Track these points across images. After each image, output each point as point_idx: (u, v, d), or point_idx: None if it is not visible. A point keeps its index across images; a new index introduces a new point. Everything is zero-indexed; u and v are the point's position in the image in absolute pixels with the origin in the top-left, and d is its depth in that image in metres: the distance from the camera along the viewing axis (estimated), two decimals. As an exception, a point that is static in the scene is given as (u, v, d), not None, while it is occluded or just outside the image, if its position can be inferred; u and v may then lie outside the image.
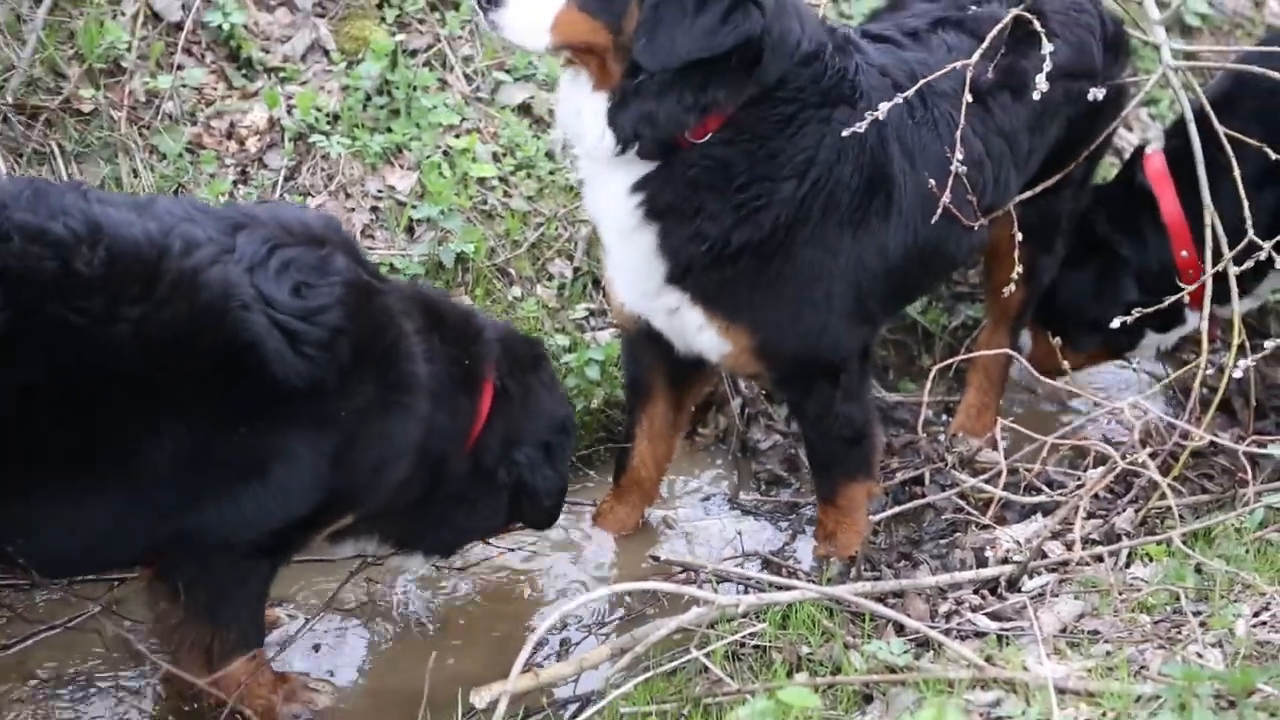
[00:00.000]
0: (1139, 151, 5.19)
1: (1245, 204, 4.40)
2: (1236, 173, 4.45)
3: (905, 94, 4.18)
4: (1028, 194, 4.67)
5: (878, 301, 4.38)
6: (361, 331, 3.63)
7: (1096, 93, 4.43)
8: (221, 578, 3.77)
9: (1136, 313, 4.50)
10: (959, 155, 4.18)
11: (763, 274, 4.15)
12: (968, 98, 4.25)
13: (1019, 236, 4.55)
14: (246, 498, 3.61)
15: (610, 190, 4.16)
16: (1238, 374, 4.26)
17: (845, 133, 4.06)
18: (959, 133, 4.20)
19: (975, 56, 4.30)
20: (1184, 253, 4.83)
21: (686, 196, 4.06)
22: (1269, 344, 4.34)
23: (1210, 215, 4.57)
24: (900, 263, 4.31)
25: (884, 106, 4.08)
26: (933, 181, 4.22)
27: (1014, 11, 4.43)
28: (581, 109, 4.07)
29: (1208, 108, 4.63)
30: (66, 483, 3.47)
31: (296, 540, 3.88)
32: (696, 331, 4.30)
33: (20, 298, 3.28)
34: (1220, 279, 4.48)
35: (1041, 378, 4.92)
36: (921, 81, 4.23)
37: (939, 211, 4.21)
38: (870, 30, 4.64)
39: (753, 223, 4.08)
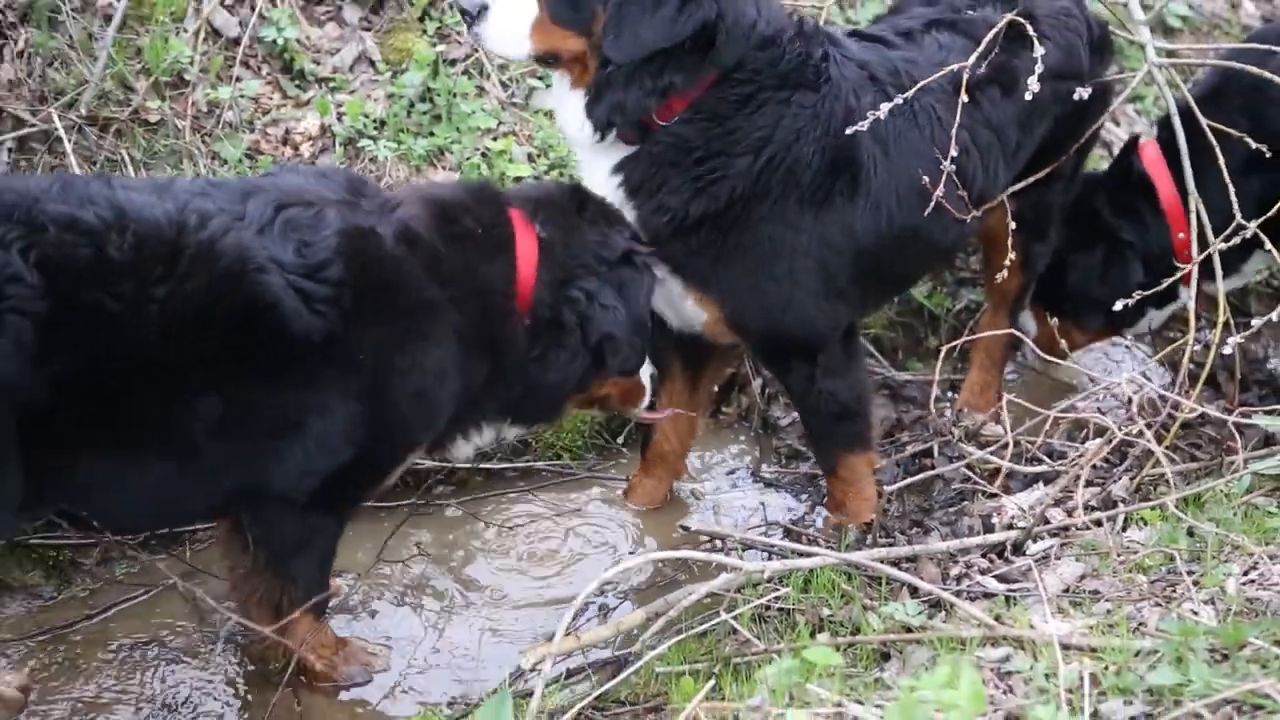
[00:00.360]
0: (1134, 142, 5.15)
1: (1231, 189, 4.39)
2: (1221, 162, 4.44)
3: (904, 95, 4.14)
4: (1020, 186, 4.62)
5: (851, 281, 4.31)
6: (363, 277, 3.56)
7: (1083, 92, 4.41)
8: (289, 533, 3.76)
9: (1137, 295, 4.48)
10: (953, 150, 4.15)
11: (725, 245, 4.14)
12: (963, 97, 4.19)
13: (1013, 226, 4.50)
14: (291, 452, 3.60)
15: (597, 174, 4.19)
16: (1227, 350, 4.23)
17: (849, 130, 4.06)
18: (954, 130, 4.16)
19: (972, 58, 4.26)
20: (1180, 235, 4.79)
21: (652, 173, 4.09)
22: (1255, 321, 4.31)
23: (1195, 202, 4.57)
24: (873, 245, 4.26)
25: (885, 107, 4.06)
26: (926, 179, 4.17)
27: (1008, 17, 4.38)
28: (564, 104, 4.14)
29: (1192, 103, 4.62)
30: (117, 454, 3.47)
31: (365, 485, 3.85)
32: (680, 301, 4.28)
33: (59, 286, 3.26)
34: (1210, 259, 4.48)
35: (1046, 358, 4.92)
36: (922, 83, 4.19)
37: (931, 204, 4.16)
38: (863, 31, 4.61)
39: (709, 195, 4.08)
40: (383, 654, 4.09)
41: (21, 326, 3.21)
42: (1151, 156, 4.99)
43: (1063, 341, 4.90)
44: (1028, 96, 4.20)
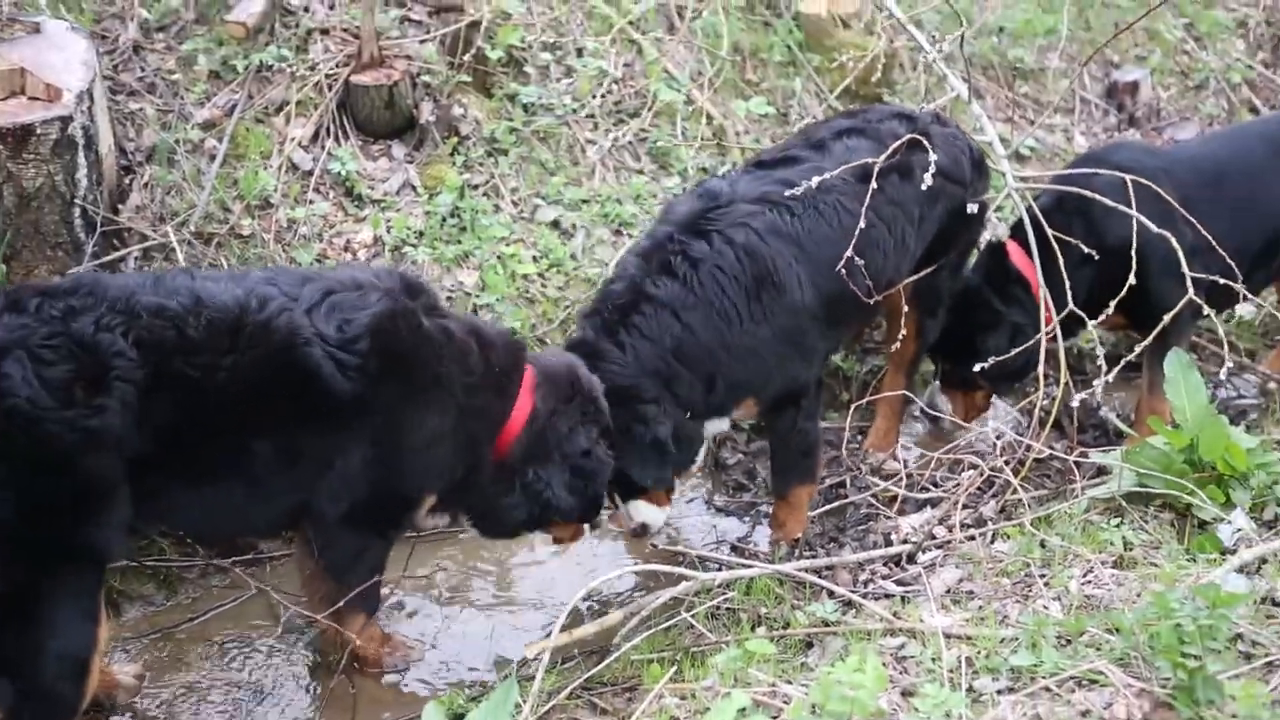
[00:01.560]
0: (1001, 246, 5.01)
1: (1068, 282, 4.40)
2: (1060, 262, 4.45)
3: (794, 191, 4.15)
4: (920, 275, 4.60)
5: (814, 339, 4.31)
6: (389, 350, 3.48)
7: (972, 207, 4.47)
8: (343, 548, 3.69)
9: (992, 360, 4.44)
10: (862, 222, 4.15)
11: (742, 371, 4.17)
12: (873, 185, 4.22)
13: (905, 309, 4.51)
14: (326, 483, 3.53)
15: None
16: (1074, 404, 4.18)
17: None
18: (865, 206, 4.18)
19: (883, 159, 4.28)
20: (1048, 314, 4.71)
21: None
22: (1096, 382, 4.24)
23: (1043, 292, 4.60)
24: (820, 310, 4.24)
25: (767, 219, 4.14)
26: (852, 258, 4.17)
27: (909, 136, 4.40)
28: None
29: (1039, 215, 4.62)
30: (201, 484, 3.43)
31: (398, 516, 3.75)
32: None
33: (153, 358, 3.24)
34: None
35: (961, 422, 4.93)
36: (793, 191, 4.15)
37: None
38: (766, 159, 4.53)
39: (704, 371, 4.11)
40: (418, 647, 4.03)
41: (126, 390, 3.19)
42: (1019, 256, 4.88)
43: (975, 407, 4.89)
44: (923, 187, 4.22)
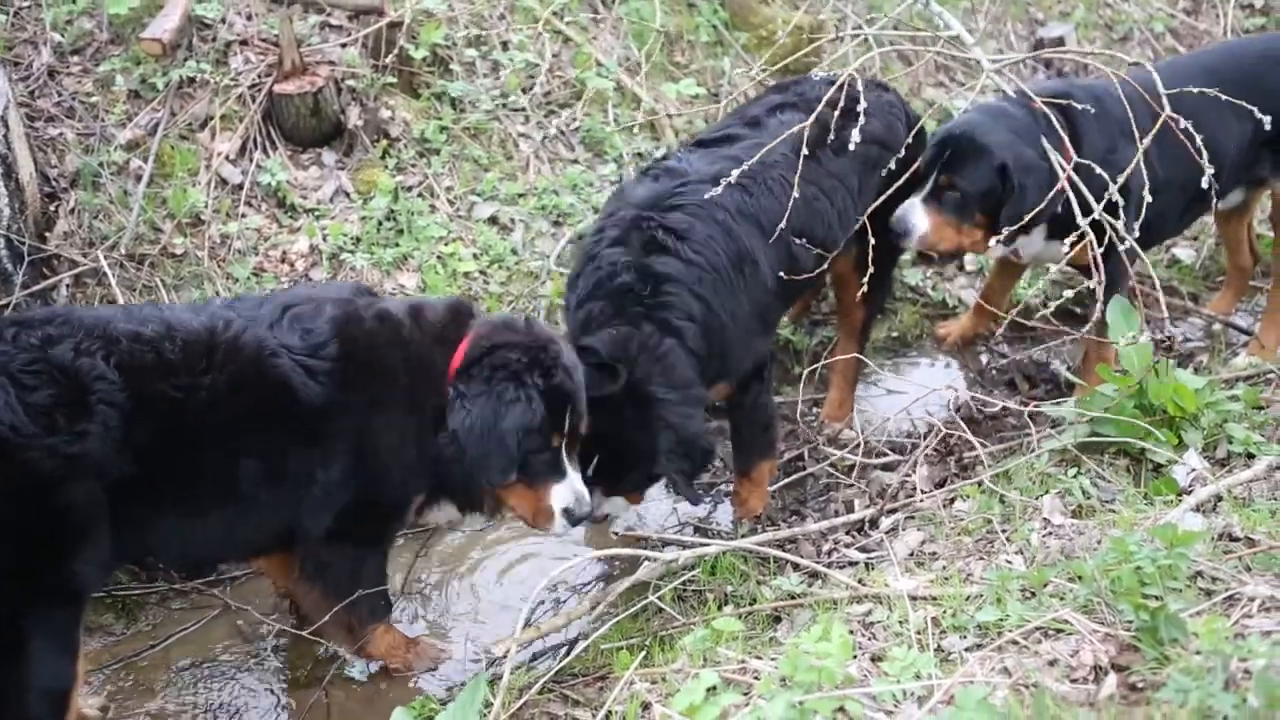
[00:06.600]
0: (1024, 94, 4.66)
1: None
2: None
3: (729, 177, 4.06)
4: (865, 241, 4.57)
5: (775, 314, 4.36)
6: (354, 353, 3.48)
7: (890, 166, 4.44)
8: (339, 565, 3.65)
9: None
10: (794, 195, 4.12)
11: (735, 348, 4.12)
12: (804, 151, 4.19)
13: (860, 283, 4.47)
14: (308, 497, 3.50)
15: None
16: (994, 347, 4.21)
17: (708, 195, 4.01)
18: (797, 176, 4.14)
19: (811, 120, 4.26)
20: (1067, 158, 4.43)
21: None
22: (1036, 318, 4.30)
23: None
24: (776, 283, 4.22)
25: (715, 190, 4.02)
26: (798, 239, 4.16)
27: (840, 80, 4.33)
28: None
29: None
30: (184, 508, 3.39)
31: (386, 523, 3.70)
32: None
33: (135, 382, 3.23)
34: None
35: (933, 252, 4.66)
36: (739, 169, 4.08)
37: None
38: (707, 137, 4.46)
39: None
40: (449, 648, 3.96)
41: (108, 414, 3.18)
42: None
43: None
44: (851, 147, 4.21)
